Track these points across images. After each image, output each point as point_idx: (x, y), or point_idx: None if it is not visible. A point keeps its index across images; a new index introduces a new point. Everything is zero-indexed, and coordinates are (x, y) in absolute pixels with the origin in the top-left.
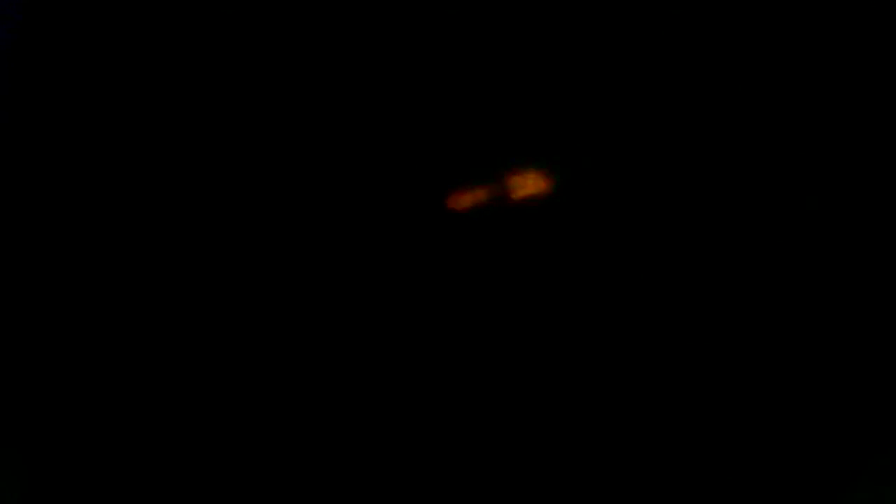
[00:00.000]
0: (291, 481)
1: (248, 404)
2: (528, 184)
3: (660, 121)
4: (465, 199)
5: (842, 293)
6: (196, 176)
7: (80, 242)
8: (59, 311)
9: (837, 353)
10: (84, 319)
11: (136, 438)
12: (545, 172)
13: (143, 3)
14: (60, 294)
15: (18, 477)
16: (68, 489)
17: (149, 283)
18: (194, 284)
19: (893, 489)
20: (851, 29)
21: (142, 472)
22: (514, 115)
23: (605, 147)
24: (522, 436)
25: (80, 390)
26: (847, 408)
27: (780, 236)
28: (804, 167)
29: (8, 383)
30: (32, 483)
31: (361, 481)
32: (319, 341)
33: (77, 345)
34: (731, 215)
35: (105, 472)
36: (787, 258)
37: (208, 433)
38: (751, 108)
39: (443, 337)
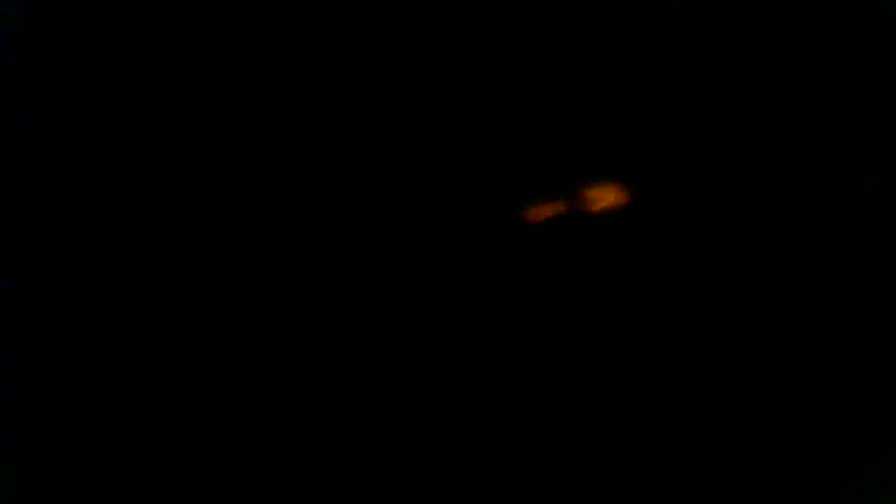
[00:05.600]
0: (291, 481)
1: (252, 405)
2: (606, 196)
3: (739, 135)
4: (543, 211)
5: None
6: (226, 176)
7: (78, 244)
8: (59, 311)
9: (836, 360)
10: (84, 319)
11: (136, 439)
12: (622, 185)
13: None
14: (60, 294)
15: (17, 476)
16: (67, 489)
17: (150, 283)
18: (201, 285)
19: (890, 494)
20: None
21: (141, 472)
22: (592, 128)
23: (682, 161)
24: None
25: (80, 391)
26: (844, 413)
27: (789, 249)
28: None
29: (8, 384)
30: (31, 482)
31: (368, 480)
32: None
33: (77, 345)
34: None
35: (104, 472)
36: (787, 267)
37: (208, 433)
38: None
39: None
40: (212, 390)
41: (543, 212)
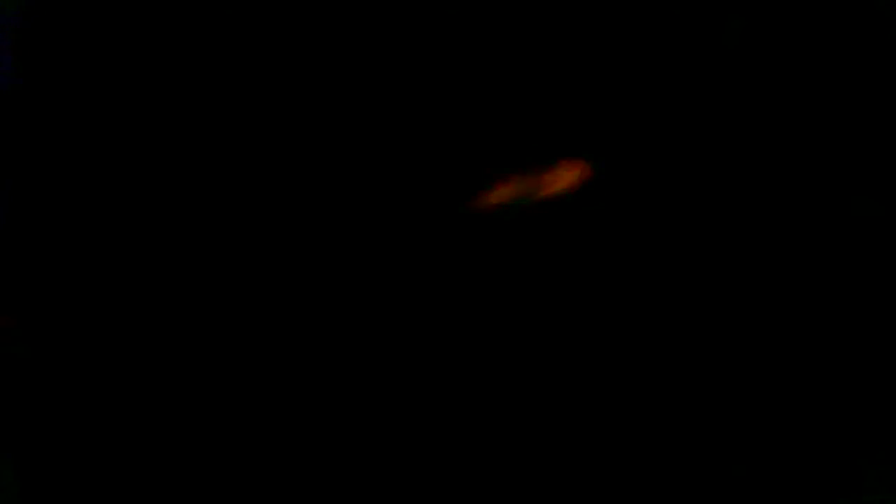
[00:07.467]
0: (291, 481)
1: (249, 405)
2: (561, 179)
3: (695, 116)
4: (495, 196)
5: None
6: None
7: (75, 244)
8: (58, 309)
9: (833, 368)
10: (83, 319)
11: (135, 439)
12: (578, 168)
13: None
14: (59, 292)
15: (16, 477)
16: (66, 489)
17: (149, 281)
18: (201, 284)
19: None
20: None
21: (141, 472)
22: (548, 111)
23: (639, 143)
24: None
25: (79, 391)
26: (842, 421)
27: (784, 257)
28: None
29: (6, 384)
30: (30, 483)
31: (365, 481)
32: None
33: (77, 345)
34: (747, 216)
35: (104, 473)
36: (786, 273)
37: (208, 433)
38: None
39: (468, 335)
40: (211, 389)
41: (496, 196)
